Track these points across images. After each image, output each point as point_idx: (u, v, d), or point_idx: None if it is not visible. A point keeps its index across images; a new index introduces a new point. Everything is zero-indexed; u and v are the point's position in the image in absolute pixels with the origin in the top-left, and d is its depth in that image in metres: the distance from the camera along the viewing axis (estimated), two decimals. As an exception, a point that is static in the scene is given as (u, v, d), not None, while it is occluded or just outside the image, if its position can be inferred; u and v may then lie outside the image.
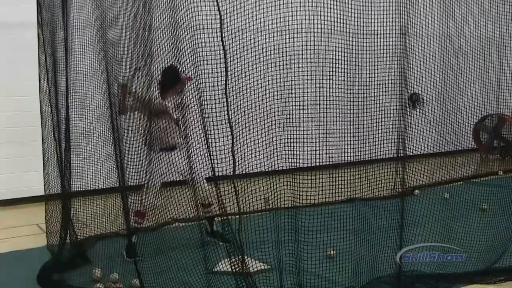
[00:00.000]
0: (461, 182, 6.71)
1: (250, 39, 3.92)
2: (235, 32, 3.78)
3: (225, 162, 3.85)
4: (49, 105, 5.11)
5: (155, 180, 4.87)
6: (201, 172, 4.98)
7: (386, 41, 4.52)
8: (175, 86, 4.85)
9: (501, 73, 5.94)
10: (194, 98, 3.92)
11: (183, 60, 3.81)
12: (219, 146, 3.85)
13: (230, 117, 3.76)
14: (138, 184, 4.83)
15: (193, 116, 4.21)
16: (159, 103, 4.87)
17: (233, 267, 3.97)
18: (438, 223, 5.13)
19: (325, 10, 3.97)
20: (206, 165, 4.41)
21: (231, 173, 3.80)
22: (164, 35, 3.94)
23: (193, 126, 4.22)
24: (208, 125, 3.84)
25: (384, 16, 4.41)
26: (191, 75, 4.00)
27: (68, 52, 4.82)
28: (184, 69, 3.88)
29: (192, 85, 4.19)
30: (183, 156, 4.80)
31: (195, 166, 4.81)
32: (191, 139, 4.27)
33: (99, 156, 5.12)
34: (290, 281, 4.27)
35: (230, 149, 3.77)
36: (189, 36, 3.73)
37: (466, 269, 4.62)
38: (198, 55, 3.76)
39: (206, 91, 3.84)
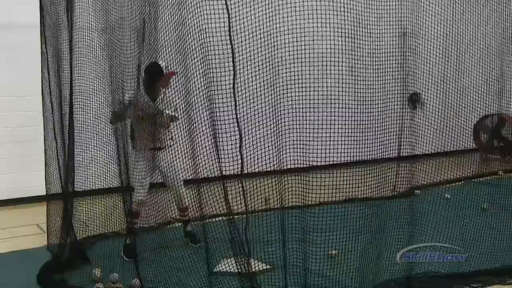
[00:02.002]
0: (462, 182, 6.71)
1: (257, 40, 3.92)
2: (242, 32, 3.78)
3: (233, 161, 3.85)
4: (51, 104, 5.10)
5: (143, 179, 4.89)
6: (179, 175, 5.02)
7: (387, 41, 4.52)
8: (158, 82, 4.85)
9: (502, 72, 5.93)
10: (179, 93, 3.93)
11: (191, 60, 3.82)
12: (227, 145, 3.86)
13: (238, 116, 3.76)
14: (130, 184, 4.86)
15: (186, 115, 4.23)
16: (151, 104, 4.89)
17: (238, 267, 3.97)
18: (439, 223, 5.13)
19: (330, 11, 3.98)
20: (186, 167, 4.45)
21: (239, 172, 3.80)
22: (172, 36, 3.94)
23: (183, 126, 4.23)
24: (216, 124, 3.84)
25: (385, 16, 4.40)
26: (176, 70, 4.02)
27: (72, 51, 4.81)
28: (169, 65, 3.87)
29: (176, 80, 4.23)
30: (165, 158, 4.90)
31: (175, 168, 4.89)
32: (180, 139, 4.29)
33: (99, 156, 5.12)
34: (294, 281, 4.27)
35: (238, 148, 3.77)
36: (197, 36, 3.73)
37: (467, 269, 4.61)
38: (206, 55, 3.77)
39: (214, 91, 3.84)
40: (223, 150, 3.87)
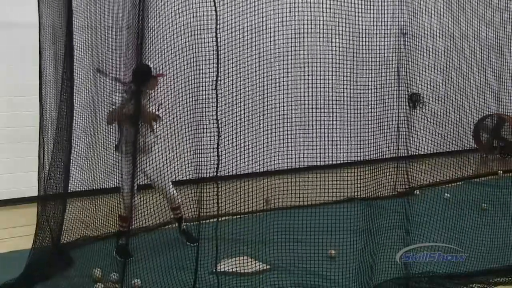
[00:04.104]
0: (462, 182, 6.72)
1: (245, 39, 3.92)
2: (227, 32, 3.78)
3: (230, 162, 3.86)
4: (47, 104, 5.12)
5: (129, 182, 4.79)
6: (167, 176, 4.97)
7: (386, 41, 4.52)
8: (147, 83, 4.77)
9: (502, 73, 5.94)
10: (168, 95, 3.92)
11: (177, 59, 3.81)
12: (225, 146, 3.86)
13: (218, 117, 3.76)
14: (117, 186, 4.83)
15: (175, 114, 4.21)
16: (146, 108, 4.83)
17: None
18: (439, 223, 5.13)
19: (322, 10, 3.98)
20: (174, 168, 4.43)
21: (234, 173, 3.82)
22: (158, 34, 3.92)
23: (175, 126, 4.21)
24: (197, 125, 3.84)
25: (384, 16, 4.40)
26: (166, 71, 4.00)
27: (71, 52, 4.82)
28: (158, 66, 3.86)
29: (165, 81, 4.19)
30: (151, 160, 4.80)
31: (163, 170, 4.82)
32: (168, 141, 4.26)
33: (87, 158, 5.12)
34: (292, 281, 4.27)
35: (234, 149, 3.78)
36: (183, 35, 3.73)
37: (467, 269, 4.62)
38: (192, 54, 3.77)
39: (197, 91, 3.84)
40: (211, 151, 3.87)
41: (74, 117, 4.97)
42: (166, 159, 4.32)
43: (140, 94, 4.66)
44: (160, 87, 4.74)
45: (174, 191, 5.14)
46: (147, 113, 4.79)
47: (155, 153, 4.81)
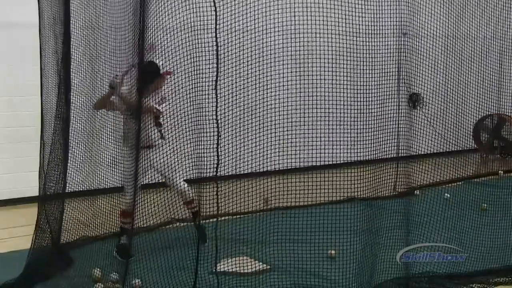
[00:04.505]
0: (462, 182, 6.72)
1: (245, 39, 3.93)
2: (227, 32, 3.79)
3: (230, 161, 3.86)
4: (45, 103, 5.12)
5: (132, 178, 4.73)
6: (178, 171, 4.94)
7: (386, 41, 4.52)
8: (154, 81, 4.76)
9: (502, 73, 5.94)
10: (173, 92, 3.93)
11: (176, 59, 3.82)
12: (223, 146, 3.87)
13: (217, 116, 3.77)
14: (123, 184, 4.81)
15: (175, 113, 4.20)
16: (144, 101, 4.80)
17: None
18: (439, 223, 5.13)
19: (322, 10, 3.98)
20: (185, 165, 4.40)
21: (234, 173, 3.82)
22: (157, 34, 3.92)
23: (176, 124, 4.21)
24: (197, 125, 3.84)
25: (384, 16, 4.40)
26: (172, 70, 3.99)
27: (69, 51, 4.82)
28: (165, 64, 3.87)
29: (171, 80, 4.18)
30: (161, 156, 4.76)
31: (172, 166, 4.78)
32: (174, 138, 4.24)
33: (92, 157, 5.11)
34: (291, 281, 4.27)
35: (234, 149, 3.79)
36: (182, 35, 3.74)
37: (467, 269, 4.62)
38: (192, 54, 3.77)
39: (197, 90, 3.84)
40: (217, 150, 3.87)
41: (72, 116, 4.97)
42: (174, 152, 4.31)
43: (144, 90, 4.66)
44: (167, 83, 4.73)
45: (185, 185, 5.07)
46: (147, 107, 4.75)
47: (161, 147, 4.79)
